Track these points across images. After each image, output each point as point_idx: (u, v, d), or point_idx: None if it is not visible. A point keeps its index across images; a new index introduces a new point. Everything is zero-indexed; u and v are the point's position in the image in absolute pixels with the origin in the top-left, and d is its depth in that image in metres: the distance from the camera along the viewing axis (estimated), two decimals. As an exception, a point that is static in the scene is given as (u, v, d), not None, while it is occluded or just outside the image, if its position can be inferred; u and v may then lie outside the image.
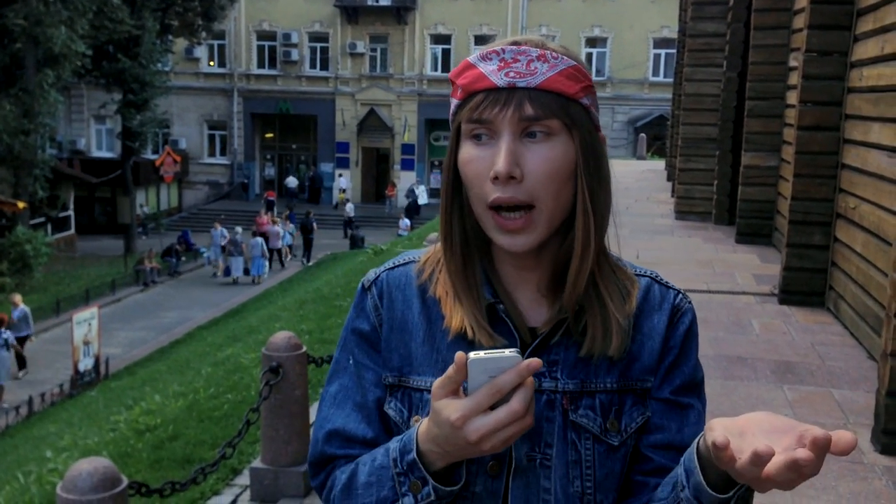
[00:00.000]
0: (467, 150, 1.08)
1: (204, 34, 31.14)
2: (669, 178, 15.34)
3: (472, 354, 0.95)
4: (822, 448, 0.83)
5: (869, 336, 5.61)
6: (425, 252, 1.21)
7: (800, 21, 8.19)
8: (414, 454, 1.01)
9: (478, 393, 0.94)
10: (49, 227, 27.19)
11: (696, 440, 0.98)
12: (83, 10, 22.77)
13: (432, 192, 34.58)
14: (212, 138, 36.62)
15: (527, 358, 1.08)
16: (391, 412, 1.14)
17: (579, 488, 1.10)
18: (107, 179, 30.62)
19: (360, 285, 1.22)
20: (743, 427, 0.89)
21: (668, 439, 1.13)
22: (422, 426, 1.02)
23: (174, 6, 29.15)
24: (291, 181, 35.12)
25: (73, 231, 30.04)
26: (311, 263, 24.69)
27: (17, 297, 16.23)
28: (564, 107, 1.07)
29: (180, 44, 32.97)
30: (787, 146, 8.71)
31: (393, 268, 1.21)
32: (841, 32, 6.52)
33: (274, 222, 26.04)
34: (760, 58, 9.32)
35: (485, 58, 1.08)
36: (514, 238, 1.07)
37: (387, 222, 30.84)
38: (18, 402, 13.06)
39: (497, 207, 1.05)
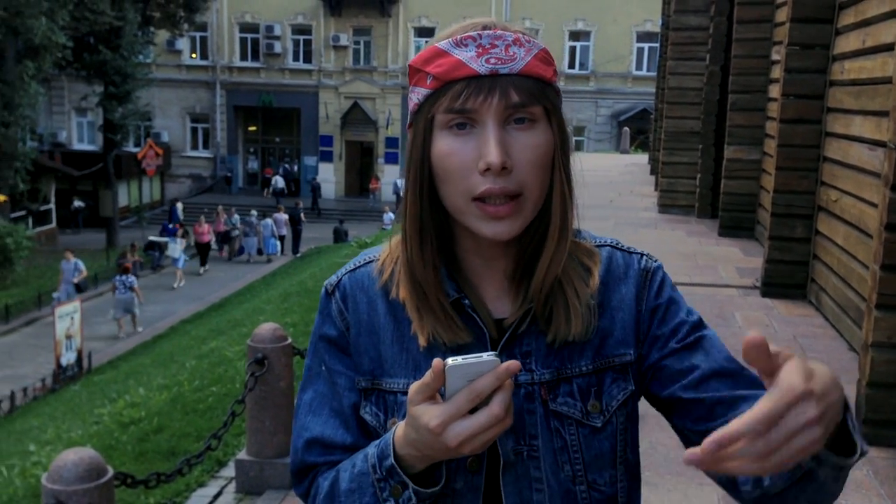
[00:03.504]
0: (446, 142, 1.04)
1: (186, 26, 30.93)
2: (653, 172, 15.40)
3: (449, 360, 0.93)
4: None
5: (850, 328, 5.67)
6: (383, 250, 1.19)
7: (782, 15, 8.24)
8: (391, 459, 1.01)
9: (457, 398, 0.93)
10: (30, 221, 26.97)
11: None
12: (64, 1, 22.57)
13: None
14: (194, 131, 36.43)
15: (499, 351, 1.08)
16: (367, 416, 1.13)
17: (570, 472, 1.09)
18: (88, 172, 30.39)
19: (323, 290, 1.20)
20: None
21: (702, 372, 1.09)
22: (398, 430, 1.01)
23: (156, -3, 28.96)
24: (279, 181, 34.16)
25: (54, 224, 29.81)
26: (298, 255, 24.72)
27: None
28: (544, 92, 1.05)
29: (162, 36, 32.76)
30: (769, 139, 8.76)
31: (354, 269, 1.19)
32: (823, 26, 6.56)
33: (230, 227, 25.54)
34: (743, 51, 9.36)
35: (459, 44, 1.04)
36: (500, 225, 1.04)
37: (371, 216, 30.79)
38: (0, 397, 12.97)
39: (482, 197, 1.03)
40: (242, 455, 4.05)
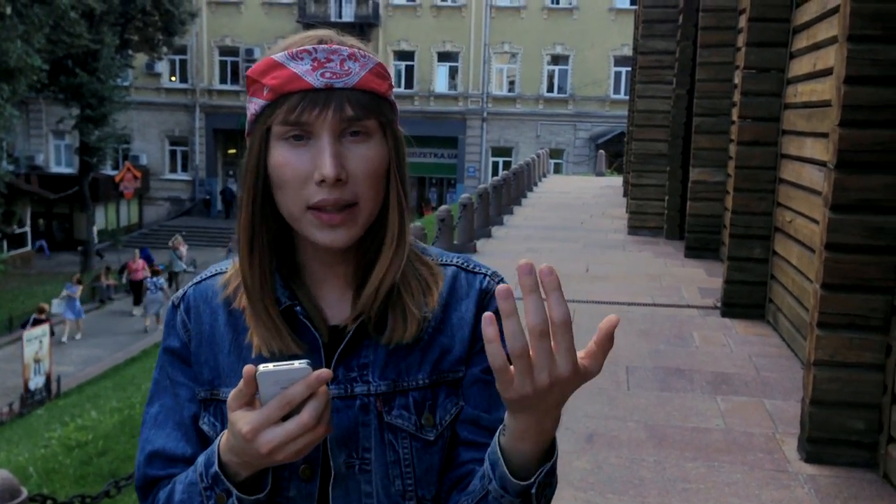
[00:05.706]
0: (281, 153, 1.05)
1: (165, 49, 30.89)
2: (626, 194, 15.49)
3: (260, 367, 0.94)
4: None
5: (803, 347, 5.67)
6: (232, 262, 1.18)
7: (742, 39, 8.34)
8: (216, 467, 1.00)
9: (268, 406, 0.94)
10: (4, 244, 26.75)
11: (497, 433, 0.99)
12: (40, 24, 22.49)
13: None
14: (173, 154, 36.33)
15: (335, 362, 1.09)
16: (205, 427, 1.13)
17: (400, 487, 1.10)
18: (65, 195, 30.21)
19: (170, 303, 1.21)
20: None
21: (475, 415, 1.13)
22: (222, 438, 1.00)
23: (134, 21, 28.91)
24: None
25: (29, 248, 29.57)
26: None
27: None
28: (379, 106, 1.07)
29: (141, 59, 32.73)
30: (732, 161, 8.84)
31: (199, 282, 1.20)
32: (778, 50, 6.64)
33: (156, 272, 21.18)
34: (707, 75, 9.47)
35: (295, 57, 1.04)
36: (336, 233, 1.05)
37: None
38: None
39: (318, 207, 1.04)
40: (183, 477, 4.00)
